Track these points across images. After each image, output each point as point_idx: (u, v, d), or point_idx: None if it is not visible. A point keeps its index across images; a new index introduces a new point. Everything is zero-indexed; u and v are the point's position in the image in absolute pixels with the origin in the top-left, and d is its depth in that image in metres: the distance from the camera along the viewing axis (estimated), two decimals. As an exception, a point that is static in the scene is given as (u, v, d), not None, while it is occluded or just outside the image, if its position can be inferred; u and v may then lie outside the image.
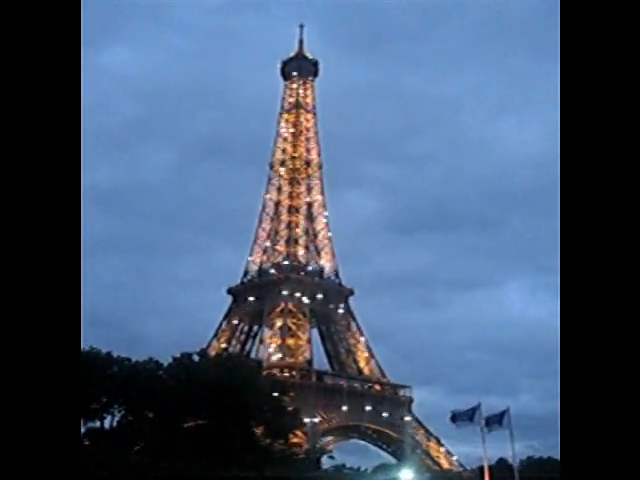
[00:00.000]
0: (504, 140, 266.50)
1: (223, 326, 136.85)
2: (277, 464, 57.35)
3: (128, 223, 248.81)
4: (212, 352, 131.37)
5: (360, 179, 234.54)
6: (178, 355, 55.99)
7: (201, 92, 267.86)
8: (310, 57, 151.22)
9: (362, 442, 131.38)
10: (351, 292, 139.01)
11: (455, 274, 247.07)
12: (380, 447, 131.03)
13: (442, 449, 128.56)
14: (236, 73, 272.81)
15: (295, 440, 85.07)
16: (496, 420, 34.81)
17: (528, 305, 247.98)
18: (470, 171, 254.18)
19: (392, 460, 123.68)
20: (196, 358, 59.02)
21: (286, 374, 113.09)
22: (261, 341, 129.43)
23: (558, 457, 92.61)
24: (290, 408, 62.28)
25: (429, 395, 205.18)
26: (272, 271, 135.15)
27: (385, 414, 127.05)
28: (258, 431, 60.03)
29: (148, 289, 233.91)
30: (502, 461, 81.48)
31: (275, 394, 59.80)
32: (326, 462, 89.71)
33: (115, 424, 51.93)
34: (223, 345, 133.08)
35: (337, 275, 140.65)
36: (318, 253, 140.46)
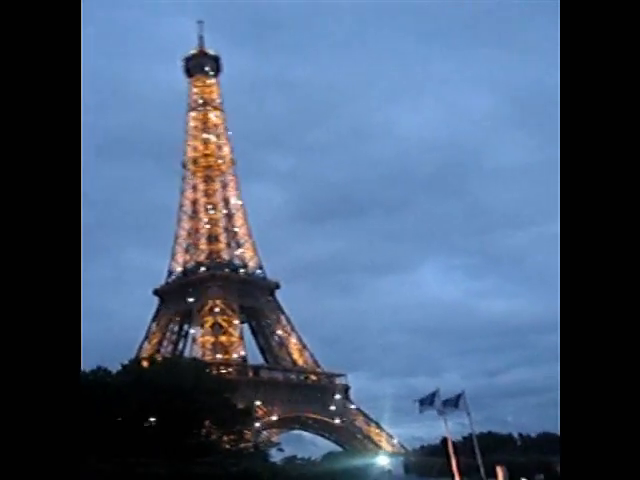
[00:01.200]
0: (400, 124, 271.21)
1: (153, 328, 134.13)
2: (231, 459, 57.47)
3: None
4: (145, 354, 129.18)
5: (264, 172, 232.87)
6: (127, 362, 54.79)
7: (95, 87, 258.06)
8: (212, 53, 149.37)
9: (296, 432, 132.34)
10: (277, 285, 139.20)
11: (369, 259, 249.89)
12: (322, 436, 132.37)
13: (382, 432, 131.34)
14: (129, 68, 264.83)
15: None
16: (452, 403, 36.87)
17: (443, 286, 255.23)
18: (370, 156, 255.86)
19: (332, 447, 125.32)
20: (145, 364, 57.92)
21: (223, 371, 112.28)
22: (193, 340, 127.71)
23: (489, 431, 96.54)
24: (241, 406, 62.36)
25: (356, 380, 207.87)
26: (196, 270, 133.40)
27: (323, 403, 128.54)
28: (212, 430, 59.73)
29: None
30: (445, 440, 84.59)
31: (225, 394, 59.59)
32: (275, 455, 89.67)
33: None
34: (155, 347, 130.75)
35: (261, 269, 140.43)
36: (240, 248, 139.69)
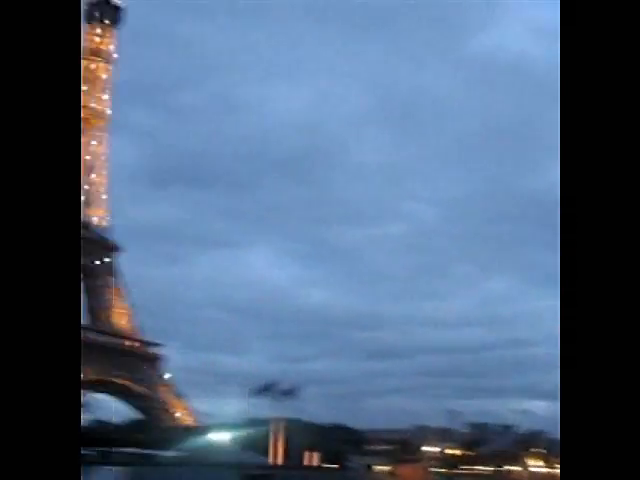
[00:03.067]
0: (271, 104, 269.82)
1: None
2: None
3: None
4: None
5: (126, 126, 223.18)
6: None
7: None
8: (114, 2, 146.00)
9: (97, 396, 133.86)
10: (116, 248, 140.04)
11: (202, 232, 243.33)
12: (126, 402, 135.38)
13: (185, 406, 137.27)
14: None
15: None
16: (286, 392, 44.69)
17: (271, 269, 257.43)
18: (233, 130, 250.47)
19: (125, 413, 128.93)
20: None
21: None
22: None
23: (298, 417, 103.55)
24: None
25: (165, 351, 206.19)
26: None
27: (135, 370, 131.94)
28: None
29: None
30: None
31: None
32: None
33: None
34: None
35: (105, 228, 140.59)
36: (89, 206, 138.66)
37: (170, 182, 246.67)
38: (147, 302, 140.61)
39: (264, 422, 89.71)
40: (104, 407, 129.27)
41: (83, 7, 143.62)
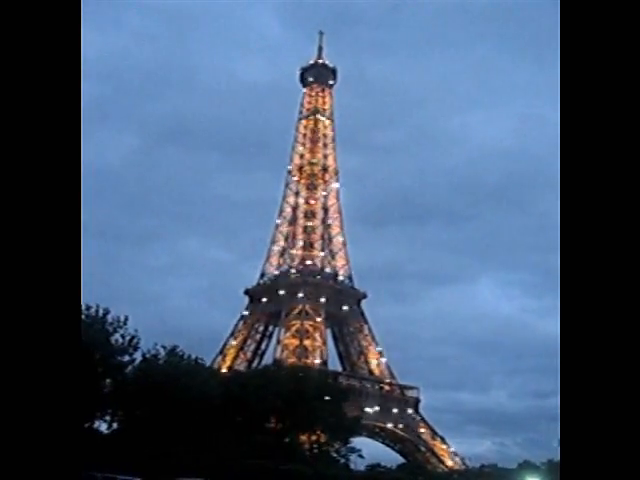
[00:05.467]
0: (473, 132, 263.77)
1: (239, 325, 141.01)
2: (320, 463, 62.46)
3: (90, 208, 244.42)
4: (230, 350, 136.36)
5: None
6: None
7: (162, 75, 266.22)
8: (329, 64, 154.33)
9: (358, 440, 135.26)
10: (364, 295, 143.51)
11: (425, 268, 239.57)
12: (387, 445, 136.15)
13: (446, 448, 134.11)
14: (198, 57, 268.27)
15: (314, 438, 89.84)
16: None
17: (498, 301, 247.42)
18: (439, 163, 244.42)
19: (390, 457, 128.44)
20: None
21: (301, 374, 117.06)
22: (278, 342, 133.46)
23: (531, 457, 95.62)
24: (351, 415, 67.66)
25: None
26: (289, 274, 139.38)
27: (394, 413, 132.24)
28: (320, 436, 64.59)
29: (115, 276, 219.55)
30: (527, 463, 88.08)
31: (338, 402, 64.32)
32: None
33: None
34: (240, 344, 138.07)
35: (350, 279, 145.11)
36: (333, 257, 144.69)
37: (385, 221, 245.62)
38: (385, 343, 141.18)
39: (536, 467, 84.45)
40: (368, 452, 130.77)
41: (298, 72, 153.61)
